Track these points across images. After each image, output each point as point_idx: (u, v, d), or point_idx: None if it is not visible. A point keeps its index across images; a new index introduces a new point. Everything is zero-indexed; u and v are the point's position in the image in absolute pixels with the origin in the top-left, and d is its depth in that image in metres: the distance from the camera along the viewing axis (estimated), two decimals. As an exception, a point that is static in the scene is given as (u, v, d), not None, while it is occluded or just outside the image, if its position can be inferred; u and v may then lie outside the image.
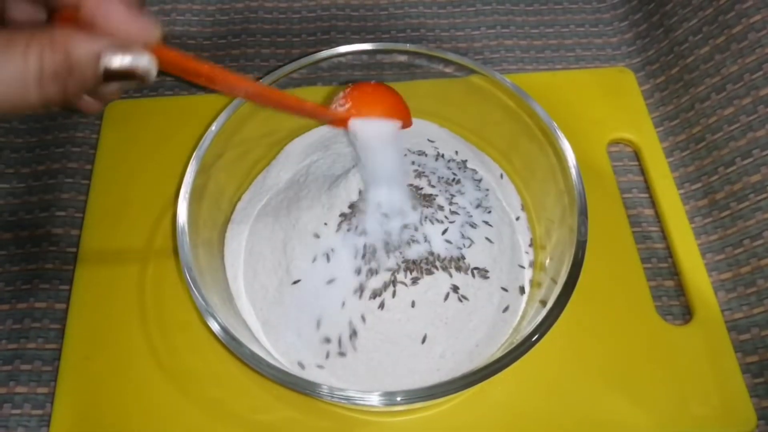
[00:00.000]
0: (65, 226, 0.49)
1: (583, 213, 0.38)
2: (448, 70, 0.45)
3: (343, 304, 0.39)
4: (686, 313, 0.46)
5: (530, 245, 0.45)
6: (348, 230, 0.40)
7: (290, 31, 0.60)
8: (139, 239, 0.48)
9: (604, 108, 0.54)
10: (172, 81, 0.57)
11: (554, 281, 0.39)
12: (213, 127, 0.41)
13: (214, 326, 0.35)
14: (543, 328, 0.35)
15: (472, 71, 0.44)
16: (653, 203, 0.51)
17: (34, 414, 0.43)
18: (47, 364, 0.44)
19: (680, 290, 0.47)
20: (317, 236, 0.40)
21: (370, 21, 0.61)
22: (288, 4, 0.62)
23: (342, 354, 0.39)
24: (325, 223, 0.40)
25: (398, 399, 0.34)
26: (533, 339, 0.35)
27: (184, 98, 0.56)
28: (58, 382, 0.43)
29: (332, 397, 0.34)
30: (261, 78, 0.44)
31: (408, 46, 0.45)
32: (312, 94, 0.48)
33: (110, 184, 0.51)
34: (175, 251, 0.46)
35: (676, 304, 0.47)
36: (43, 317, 0.46)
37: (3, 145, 0.53)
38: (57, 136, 0.54)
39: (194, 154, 0.40)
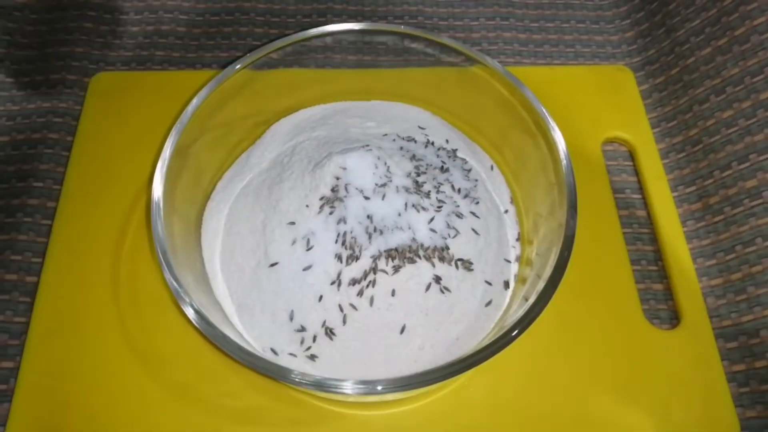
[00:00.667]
0: (42, 197, 0.48)
1: (572, 207, 0.37)
2: (442, 55, 0.44)
3: (321, 290, 0.38)
4: (674, 318, 0.45)
5: (517, 239, 0.43)
6: (330, 213, 0.38)
7: (285, 12, 0.59)
8: (116, 214, 0.46)
9: (600, 106, 0.53)
10: (162, 55, 0.56)
11: (539, 276, 0.37)
12: (194, 101, 0.40)
13: (188, 310, 0.34)
14: (524, 323, 0.34)
15: (465, 57, 0.43)
16: (646, 205, 0.49)
17: (-3, 388, 0.42)
18: (14, 338, 0.43)
19: (669, 294, 0.46)
20: (298, 218, 0.39)
21: (367, 5, 0.60)
22: (285, -16, 0.61)
23: (317, 341, 0.38)
24: (307, 206, 0.39)
25: (377, 388, 0.32)
26: (513, 334, 0.34)
27: (172, 73, 0.55)
28: (24, 356, 0.41)
29: (303, 383, 0.32)
30: (248, 53, 0.42)
31: (402, 28, 0.44)
32: (303, 76, 0.47)
33: (90, 157, 0.49)
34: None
35: (663, 309, 0.46)
36: (13, 290, 0.44)
37: (-17, 112, 0.52)
38: (39, 105, 0.52)
39: (173, 127, 0.39)
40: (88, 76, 0.54)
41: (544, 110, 0.39)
